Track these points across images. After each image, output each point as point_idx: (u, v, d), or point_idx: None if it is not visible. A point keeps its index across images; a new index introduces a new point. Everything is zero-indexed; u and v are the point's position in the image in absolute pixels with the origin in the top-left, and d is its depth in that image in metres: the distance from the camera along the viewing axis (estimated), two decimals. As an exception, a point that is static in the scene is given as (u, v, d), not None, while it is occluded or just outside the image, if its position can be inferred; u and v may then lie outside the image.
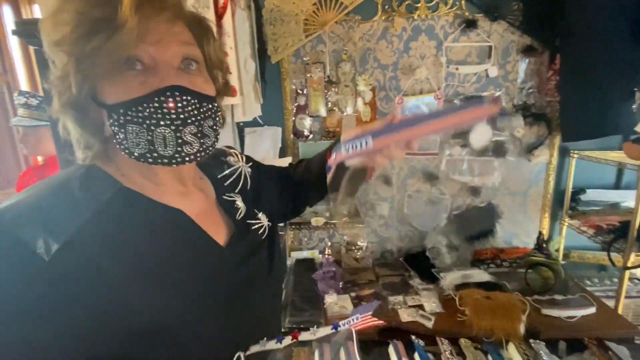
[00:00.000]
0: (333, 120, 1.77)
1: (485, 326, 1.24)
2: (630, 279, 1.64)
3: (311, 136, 1.79)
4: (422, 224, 1.82)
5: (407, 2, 1.62)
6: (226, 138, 1.55)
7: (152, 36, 0.45)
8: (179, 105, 0.45)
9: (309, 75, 1.71)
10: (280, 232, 1.66)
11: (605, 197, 1.73)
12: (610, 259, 1.42)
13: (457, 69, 1.68)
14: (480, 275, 1.52)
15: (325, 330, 0.56)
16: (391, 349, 1.23)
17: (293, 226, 1.82)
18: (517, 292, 1.41)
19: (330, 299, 1.47)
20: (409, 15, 1.64)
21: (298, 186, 0.81)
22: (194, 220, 0.54)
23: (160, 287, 0.47)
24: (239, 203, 0.63)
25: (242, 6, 1.42)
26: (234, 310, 0.55)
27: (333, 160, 0.62)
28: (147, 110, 0.44)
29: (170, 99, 0.45)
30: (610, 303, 1.43)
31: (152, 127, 0.45)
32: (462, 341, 1.26)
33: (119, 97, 0.45)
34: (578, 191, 1.75)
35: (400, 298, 1.47)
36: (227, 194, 0.63)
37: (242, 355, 0.52)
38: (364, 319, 0.58)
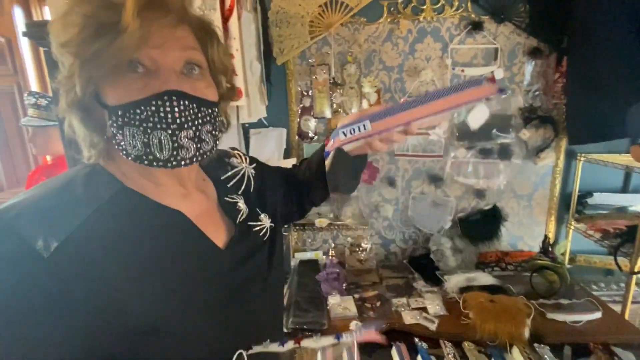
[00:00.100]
0: (338, 121, 1.77)
1: (489, 330, 1.23)
2: (637, 284, 1.61)
3: (316, 137, 1.79)
4: (427, 226, 1.82)
5: (412, 5, 1.62)
6: (231, 139, 1.56)
7: (154, 40, 0.45)
8: (176, 109, 0.46)
9: (314, 77, 1.72)
10: (284, 233, 1.67)
11: (612, 200, 1.72)
12: (617, 264, 1.40)
13: (462, 71, 1.67)
14: (484, 278, 1.51)
15: (328, 340, 0.56)
16: (394, 351, 1.22)
17: (297, 227, 1.83)
18: (522, 295, 1.40)
19: (334, 300, 1.47)
20: (414, 18, 1.64)
21: (302, 185, 0.81)
22: (193, 221, 0.54)
23: (157, 287, 0.48)
24: (241, 205, 0.63)
25: (248, 8, 1.44)
26: (232, 312, 0.55)
27: (331, 146, 0.61)
28: (145, 113, 0.45)
29: (168, 104, 0.45)
30: (617, 308, 1.42)
31: (149, 130, 0.45)
32: (466, 344, 1.25)
33: (120, 99, 0.45)
34: (585, 194, 1.73)
35: (403, 300, 1.47)
36: (229, 196, 0.63)
37: (244, 354, 0.52)
38: (367, 333, 0.58)
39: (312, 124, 1.78)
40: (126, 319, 0.45)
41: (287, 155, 1.81)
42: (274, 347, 0.54)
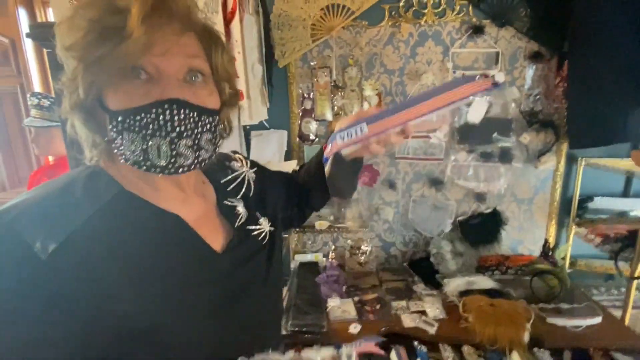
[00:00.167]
0: (336, 123, 1.77)
1: (489, 334, 1.23)
2: (638, 289, 1.61)
3: (317, 140, 1.80)
4: (427, 229, 1.82)
5: (414, 8, 1.63)
6: (232, 141, 1.56)
7: (158, 47, 0.45)
8: (176, 118, 0.46)
9: (315, 79, 1.73)
10: (284, 235, 1.67)
11: (613, 205, 1.71)
12: (617, 268, 1.40)
13: (463, 74, 1.68)
14: (484, 282, 1.51)
15: (329, 350, 0.56)
16: (393, 355, 1.22)
17: (297, 229, 1.83)
18: (522, 299, 1.40)
19: (333, 302, 1.47)
20: (415, 21, 1.65)
21: (301, 190, 0.81)
22: (191, 225, 0.54)
23: (153, 290, 0.48)
24: (240, 209, 0.63)
25: (250, 11, 1.44)
26: (230, 316, 0.55)
27: (329, 152, 0.61)
28: (145, 120, 0.45)
29: (168, 112, 0.45)
30: (617, 313, 1.41)
31: (148, 137, 0.46)
32: (465, 348, 1.25)
33: (121, 105, 0.46)
34: (585, 199, 1.73)
35: (403, 303, 1.47)
36: (229, 199, 0.63)
37: None
38: (366, 345, 0.58)
39: (313, 127, 1.78)
40: (123, 321, 0.45)
41: (287, 157, 1.81)
42: (275, 356, 0.54)
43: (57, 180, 0.50)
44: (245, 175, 0.68)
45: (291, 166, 1.67)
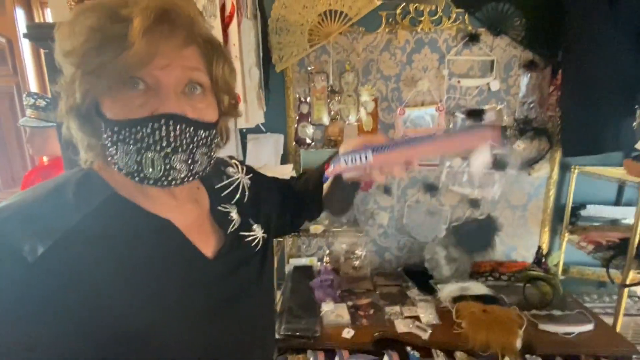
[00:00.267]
0: (335, 129, 1.78)
1: (482, 340, 1.23)
2: (630, 297, 1.62)
3: (313, 144, 1.81)
4: (421, 235, 1.82)
5: (410, 16, 1.65)
6: (228, 144, 1.56)
7: (159, 60, 0.44)
8: (172, 134, 0.45)
9: (312, 84, 1.74)
10: (279, 239, 1.67)
11: (605, 213, 1.73)
12: (609, 276, 1.41)
13: (459, 82, 1.69)
14: (478, 288, 1.51)
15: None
16: (386, 360, 1.22)
17: (292, 233, 1.83)
18: (515, 306, 1.40)
19: (327, 307, 1.47)
20: (412, 29, 1.66)
21: (297, 200, 0.80)
22: (182, 231, 0.54)
23: (142, 296, 0.47)
24: (234, 215, 0.63)
25: (248, 15, 1.45)
26: (220, 323, 0.55)
27: (331, 172, 0.62)
28: (140, 133, 0.45)
29: (164, 128, 0.45)
30: (609, 320, 1.42)
31: (142, 151, 0.45)
32: (458, 354, 1.25)
33: (117, 115, 0.45)
34: (578, 206, 1.74)
35: (397, 308, 1.47)
36: (222, 205, 0.62)
37: None
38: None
39: (309, 131, 1.79)
40: (111, 326, 0.45)
41: (284, 161, 1.82)
42: None
43: (49, 182, 0.50)
44: (240, 181, 0.68)
45: (287, 170, 1.68)
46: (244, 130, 1.74)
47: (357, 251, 1.82)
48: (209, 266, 0.55)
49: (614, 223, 1.72)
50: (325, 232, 1.71)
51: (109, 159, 0.48)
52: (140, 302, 0.47)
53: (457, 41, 1.67)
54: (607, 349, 1.26)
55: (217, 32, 1.18)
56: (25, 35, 1.10)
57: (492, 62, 1.67)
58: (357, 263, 1.81)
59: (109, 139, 0.46)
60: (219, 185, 0.65)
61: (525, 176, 1.75)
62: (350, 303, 1.51)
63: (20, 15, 2.22)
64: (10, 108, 2.31)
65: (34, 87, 2.31)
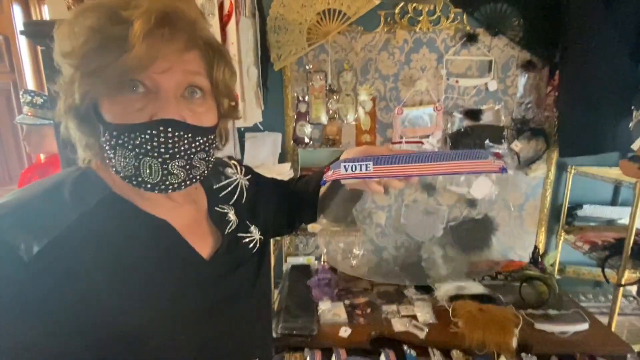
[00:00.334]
0: (333, 128, 1.78)
1: (478, 339, 1.24)
2: (625, 296, 1.64)
3: (311, 143, 1.81)
4: (419, 234, 1.83)
5: (409, 15, 1.65)
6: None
7: (159, 64, 0.44)
8: (170, 141, 0.45)
9: (310, 83, 1.74)
10: (277, 237, 1.67)
11: (601, 213, 1.74)
12: (604, 275, 1.42)
13: (457, 81, 1.70)
14: (474, 287, 1.52)
15: None
16: (383, 359, 1.23)
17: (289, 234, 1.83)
18: (511, 305, 1.41)
19: (324, 306, 1.47)
20: (410, 28, 1.66)
21: (295, 203, 0.80)
22: (179, 231, 0.54)
23: (138, 296, 0.47)
24: (231, 216, 0.62)
25: (246, 14, 1.45)
26: (215, 324, 0.55)
27: (329, 177, 0.62)
28: (138, 139, 0.44)
29: (162, 134, 0.45)
30: (604, 320, 1.43)
31: (140, 156, 0.45)
32: (454, 353, 1.26)
33: (115, 118, 0.45)
34: (575, 206, 1.75)
35: (394, 307, 1.47)
36: (220, 206, 0.62)
37: None
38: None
39: (307, 130, 1.79)
40: (106, 326, 0.44)
41: (282, 160, 1.82)
42: None
43: (46, 180, 0.49)
44: (238, 182, 0.68)
45: (285, 169, 1.68)
46: (242, 129, 1.74)
47: (354, 250, 1.82)
48: (205, 267, 0.55)
49: (610, 223, 1.74)
50: (323, 231, 1.71)
51: (107, 161, 0.48)
52: (136, 302, 0.47)
53: (456, 41, 1.67)
54: (602, 348, 1.27)
55: (215, 31, 1.18)
56: (22, 32, 1.09)
57: (490, 62, 1.68)
58: (354, 262, 1.81)
59: (107, 143, 0.46)
60: (217, 185, 0.65)
61: (522, 176, 1.76)
62: (347, 302, 1.52)
63: (17, 12, 2.21)
64: (7, 105, 2.30)
65: (30, 84, 2.30)
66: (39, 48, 1.84)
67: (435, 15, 1.65)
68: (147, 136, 0.44)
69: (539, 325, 1.33)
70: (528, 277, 1.53)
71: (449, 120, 1.74)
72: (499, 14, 1.63)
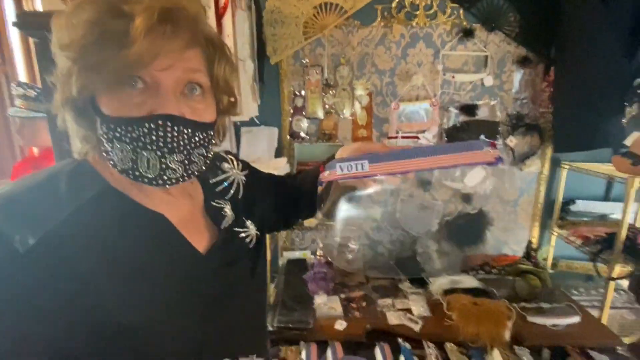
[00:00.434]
0: (330, 122, 1.78)
1: (472, 331, 1.26)
2: (616, 290, 1.66)
3: (307, 138, 1.80)
4: (414, 229, 1.84)
5: (406, 10, 1.65)
6: (222, 136, 1.56)
7: (160, 62, 0.43)
8: (169, 135, 0.45)
9: (307, 77, 1.73)
10: (273, 232, 1.67)
11: (594, 208, 1.76)
12: (596, 269, 1.44)
13: (453, 77, 1.70)
14: (468, 281, 1.54)
15: None
16: (377, 351, 1.24)
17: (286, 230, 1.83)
18: (505, 299, 1.43)
19: (320, 299, 1.48)
20: (407, 23, 1.66)
21: (291, 199, 0.80)
22: (175, 225, 0.53)
23: (134, 289, 0.47)
24: (227, 210, 0.62)
25: (242, 7, 1.44)
26: (210, 318, 0.55)
27: (326, 178, 0.62)
28: (136, 132, 0.44)
29: (161, 129, 0.44)
30: (596, 313, 1.45)
31: (138, 150, 0.45)
32: (448, 345, 1.27)
33: (114, 111, 0.44)
34: (568, 202, 1.77)
35: (389, 301, 1.49)
36: (216, 200, 0.62)
37: None
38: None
39: (304, 124, 1.79)
40: (102, 319, 0.44)
41: (278, 154, 1.81)
42: None
43: (41, 173, 0.49)
44: (235, 177, 0.67)
45: (281, 163, 1.68)
46: (238, 123, 1.74)
47: (350, 244, 1.83)
48: (201, 261, 0.55)
49: (603, 218, 1.76)
50: (318, 225, 1.72)
51: (104, 154, 0.47)
52: (132, 296, 0.47)
53: (452, 36, 1.67)
54: (594, 341, 1.29)
55: (211, 23, 1.17)
56: (14, 24, 1.08)
57: (486, 57, 1.68)
58: (350, 256, 1.82)
59: (105, 135, 0.45)
60: (214, 180, 0.64)
61: (517, 171, 1.77)
62: (343, 296, 1.53)
63: (8, 3, 2.17)
64: (-1, 98, 2.26)
65: (23, 77, 2.26)
66: (31, 40, 1.82)
67: (432, 10, 1.65)
68: (145, 129, 0.44)
69: (532, 318, 1.35)
70: (521, 271, 1.55)
71: (445, 115, 1.74)
72: (496, 9, 1.63)
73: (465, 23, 1.65)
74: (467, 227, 1.77)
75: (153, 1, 0.42)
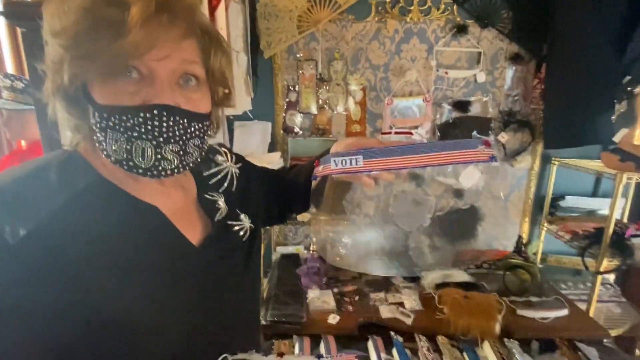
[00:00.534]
0: (323, 117, 1.78)
1: (463, 325, 1.27)
2: (603, 284, 1.70)
3: (301, 132, 1.80)
4: (406, 224, 1.85)
5: (400, 5, 1.64)
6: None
7: (156, 52, 0.43)
8: (165, 125, 0.44)
9: (301, 71, 1.72)
10: (266, 227, 1.67)
11: (583, 204, 1.79)
12: (584, 264, 1.47)
13: (446, 73, 1.71)
14: (460, 275, 1.56)
15: (309, 358, 0.56)
16: (370, 345, 1.25)
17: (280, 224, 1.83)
18: (495, 292, 1.45)
19: (313, 294, 1.48)
20: (401, 18, 1.66)
21: (285, 193, 0.80)
22: (169, 217, 0.53)
23: (126, 281, 0.47)
24: (221, 203, 0.62)
25: (236, -1, 1.43)
26: (204, 311, 0.55)
27: (320, 172, 0.62)
28: (131, 121, 0.43)
29: (157, 118, 0.44)
30: (583, 306, 1.48)
31: (133, 139, 0.44)
32: (440, 338, 1.29)
33: (107, 100, 0.44)
34: (558, 197, 1.80)
35: (381, 295, 1.50)
36: (209, 193, 0.61)
37: (228, 357, 0.52)
38: (347, 357, 0.58)
39: (297, 119, 1.78)
40: (92, 311, 0.44)
41: (271, 149, 1.80)
42: (257, 357, 0.54)
43: (29, 164, 0.48)
44: (228, 170, 0.67)
45: (275, 158, 1.67)
46: (231, 117, 1.72)
47: (343, 239, 1.84)
48: (195, 253, 0.55)
49: (591, 214, 1.79)
50: (312, 220, 1.72)
51: (96, 144, 0.47)
52: (125, 288, 0.47)
53: (446, 32, 1.68)
54: (581, 333, 1.32)
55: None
56: (1, 14, 1.05)
57: (479, 54, 1.69)
58: (343, 251, 1.82)
59: (98, 125, 0.45)
60: (207, 173, 0.64)
61: (508, 168, 1.79)
62: (336, 290, 1.53)
63: (-6, -8, 2.12)
64: (-15, 90, 2.21)
65: (10, 68, 2.21)
66: (18, 30, 1.78)
67: (426, 6, 1.65)
68: (140, 119, 0.43)
69: (521, 312, 1.37)
70: (512, 266, 1.57)
71: (437, 111, 1.75)
72: (489, 6, 1.64)
73: (458, 19, 1.65)
74: (458, 223, 1.79)
75: None
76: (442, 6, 1.64)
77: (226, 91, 0.57)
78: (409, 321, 1.34)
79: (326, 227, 1.84)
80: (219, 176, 0.65)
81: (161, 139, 0.45)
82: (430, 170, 1.89)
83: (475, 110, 1.74)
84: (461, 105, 1.73)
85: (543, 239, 1.83)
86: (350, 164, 0.58)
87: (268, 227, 1.75)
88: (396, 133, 1.76)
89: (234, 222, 0.63)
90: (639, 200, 1.78)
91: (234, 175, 0.68)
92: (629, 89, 1.30)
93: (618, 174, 1.36)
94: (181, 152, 0.47)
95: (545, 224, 1.79)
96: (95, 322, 0.44)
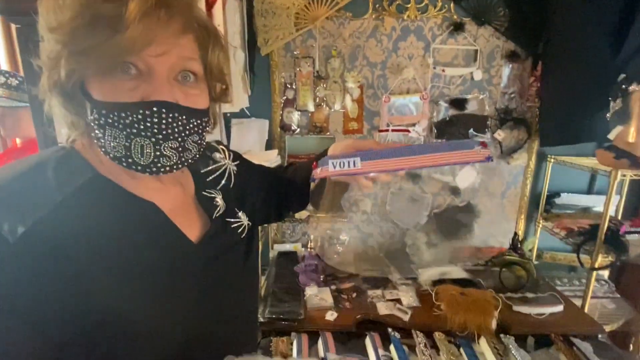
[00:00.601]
0: (321, 115, 1.78)
1: (459, 321, 1.28)
2: (597, 280, 1.72)
3: (298, 130, 1.80)
4: (403, 221, 1.86)
5: (397, 2, 1.64)
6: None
7: (154, 48, 0.43)
8: (164, 122, 0.44)
9: (298, 69, 1.72)
10: (264, 225, 1.67)
11: (578, 201, 1.81)
12: (579, 260, 1.49)
13: (443, 70, 1.71)
14: (456, 272, 1.57)
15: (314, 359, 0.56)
16: (368, 341, 1.25)
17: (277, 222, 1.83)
18: (491, 289, 1.46)
19: (311, 291, 1.49)
20: (399, 16, 1.66)
21: (283, 192, 0.80)
22: (167, 214, 0.53)
23: (125, 278, 0.47)
24: (219, 200, 0.62)
25: (233, -4, 1.42)
26: (202, 308, 0.55)
27: (318, 174, 0.62)
28: (130, 118, 0.43)
29: (156, 115, 0.44)
30: (578, 302, 1.50)
31: (132, 136, 0.44)
32: (437, 334, 1.29)
33: (105, 96, 0.43)
34: (553, 195, 1.81)
35: (379, 292, 1.50)
36: (207, 190, 0.61)
37: (233, 359, 0.52)
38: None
39: (295, 117, 1.78)
40: (90, 308, 0.44)
41: (268, 146, 1.80)
42: (262, 359, 0.54)
43: (27, 160, 0.48)
44: (226, 167, 0.67)
45: (272, 155, 1.67)
46: (228, 115, 1.72)
47: (340, 237, 1.84)
48: (193, 251, 0.55)
49: (586, 211, 1.81)
50: (309, 218, 1.72)
51: (94, 141, 0.46)
52: (123, 284, 0.47)
53: (443, 30, 1.68)
54: (576, 329, 1.33)
55: (201, 12, 1.15)
56: (-5, 9, 1.04)
57: (476, 51, 1.70)
58: (340, 249, 1.83)
59: (96, 122, 0.44)
60: (205, 170, 0.64)
61: (504, 165, 1.80)
62: (333, 287, 1.54)
63: (-13, -13, 2.09)
64: (-21, 87, 2.18)
65: (4, 65, 2.19)
66: (13, 26, 1.76)
67: (423, 3, 1.65)
68: (140, 116, 0.43)
69: (517, 308, 1.39)
70: (507, 262, 1.59)
71: (434, 108, 1.76)
72: (485, 4, 1.64)
73: (455, 17, 1.66)
74: (455, 220, 1.80)
75: None
76: (439, 4, 1.64)
77: (223, 87, 0.57)
78: (406, 317, 1.35)
79: (324, 224, 1.85)
80: (217, 173, 0.65)
81: (160, 136, 0.45)
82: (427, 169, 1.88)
83: (471, 107, 1.74)
84: (458, 103, 1.73)
85: (538, 236, 1.84)
86: (348, 165, 0.58)
87: (265, 225, 1.75)
88: (393, 130, 1.77)
89: (232, 219, 0.63)
90: (634, 197, 1.80)
91: (232, 173, 0.68)
92: (623, 86, 1.31)
93: (613, 171, 1.38)
94: (180, 149, 0.47)
95: (541, 221, 1.80)
96: (93, 318, 0.44)
